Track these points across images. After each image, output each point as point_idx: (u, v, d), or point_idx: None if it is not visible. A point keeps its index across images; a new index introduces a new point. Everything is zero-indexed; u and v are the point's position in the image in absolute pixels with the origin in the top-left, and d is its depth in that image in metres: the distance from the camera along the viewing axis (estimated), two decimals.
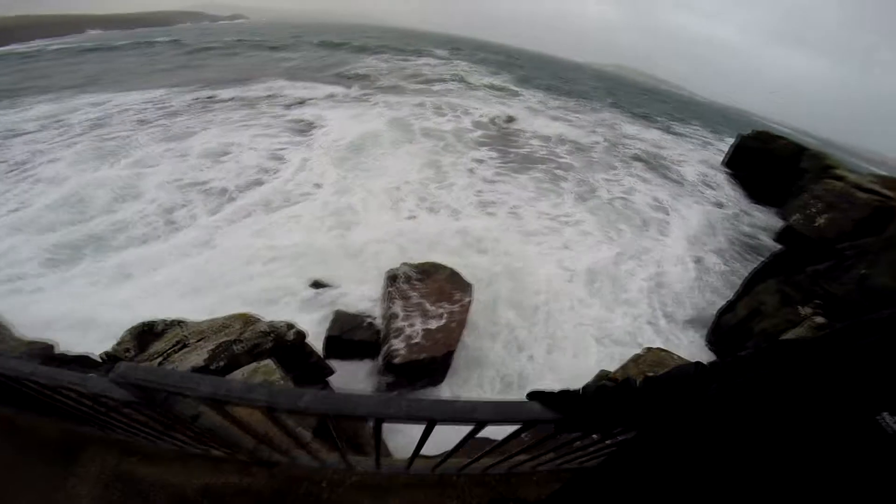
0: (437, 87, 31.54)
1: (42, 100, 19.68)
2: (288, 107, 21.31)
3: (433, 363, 6.32)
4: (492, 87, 35.43)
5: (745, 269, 12.82)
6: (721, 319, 9.81)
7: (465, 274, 8.60)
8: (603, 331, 9.02)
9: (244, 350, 5.05)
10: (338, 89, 25.70)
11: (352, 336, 6.71)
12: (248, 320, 5.55)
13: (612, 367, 5.32)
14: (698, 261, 12.75)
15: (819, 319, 7.71)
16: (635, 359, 4.49)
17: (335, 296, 8.14)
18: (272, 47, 44.69)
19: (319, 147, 16.03)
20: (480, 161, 17.13)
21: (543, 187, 15.73)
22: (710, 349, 9.33)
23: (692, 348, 9.17)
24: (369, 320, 7.26)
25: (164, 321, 5.75)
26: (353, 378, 6.29)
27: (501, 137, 20.94)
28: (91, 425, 2.24)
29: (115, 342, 5.40)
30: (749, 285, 10.65)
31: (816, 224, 10.66)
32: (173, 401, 1.42)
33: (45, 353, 5.07)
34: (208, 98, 21.31)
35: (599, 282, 10.58)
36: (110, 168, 12.67)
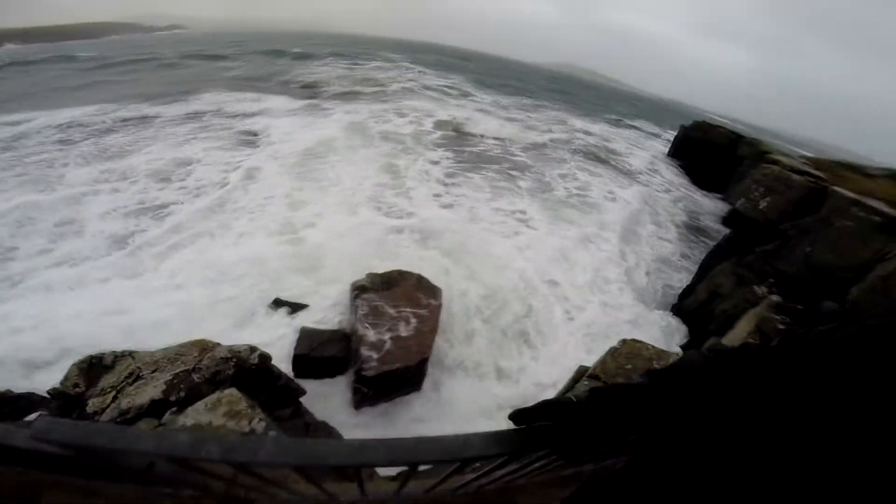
0: (390, 90, 31.24)
1: None
2: (234, 117, 20.39)
3: (408, 372, 6.14)
4: (446, 90, 35.47)
5: (696, 252, 13.35)
6: (683, 303, 10.11)
7: (432, 277, 8.45)
8: (574, 322, 9.10)
9: (204, 379, 4.73)
10: (287, 99, 24.90)
11: (321, 352, 6.41)
12: (205, 346, 5.21)
13: (588, 360, 5.32)
14: (652, 247, 13.17)
15: (775, 298, 8.03)
16: (612, 352, 4.46)
17: (300, 313, 7.80)
18: (212, 56, 42.87)
19: (272, 158, 15.45)
20: (436, 163, 17.07)
21: (499, 186, 15.86)
22: (680, 327, 9.72)
23: (665, 334, 9.39)
24: (338, 335, 6.96)
25: (113, 353, 5.33)
26: (327, 396, 6.02)
27: (458, 139, 20.93)
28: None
29: (62, 377, 4.97)
30: (705, 268, 11.05)
31: (760, 207, 11.14)
32: (115, 454, 1.19)
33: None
34: (142, 117, 19.83)
35: (563, 273, 10.72)
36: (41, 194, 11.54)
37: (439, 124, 22.81)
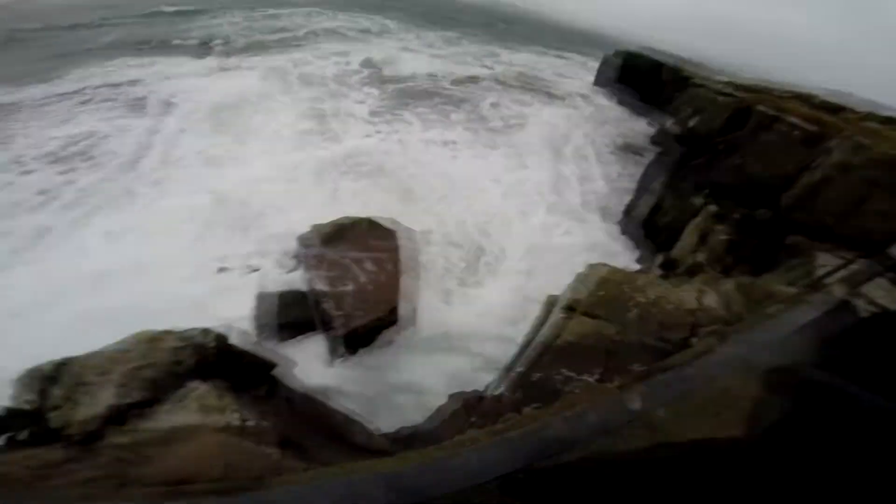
0: (305, 41, 28.64)
1: None
2: (123, 85, 17.74)
3: (380, 321, 6.01)
4: (369, 31, 33.09)
5: (630, 170, 13.84)
6: (629, 216, 10.60)
7: (381, 219, 8.30)
8: (525, 246, 9.45)
9: (163, 373, 4.34)
10: (185, 58, 22.09)
11: (284, 318, 6.14)
12: (151, 339, 4.75)
13: (548, 286, 5.40)
14: (585, 168, 13.48)
15: (713, 208, 8.50)
16: (582, 279, 4.47)
17: (251, 275, 7.43)
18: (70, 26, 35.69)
19: (182, 118, 14.00)
20: (362, 102, 16.33)
21: (431, 119, 15.53)
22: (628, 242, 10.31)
23: (616, 252, 9.81)
24: (296, 295, 6.63)
25: (50, 363, 4.75)
26: (302, 362, 5.78)
27: (385, 78, 19.83)
28: None
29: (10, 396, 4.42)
30: (643, 184, 11.56)
31: (690, 125, 11.64)
32: None
33: None
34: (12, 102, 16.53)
35: (512, 196, 11.01)
36: None
37: (364, 63, 21.60)
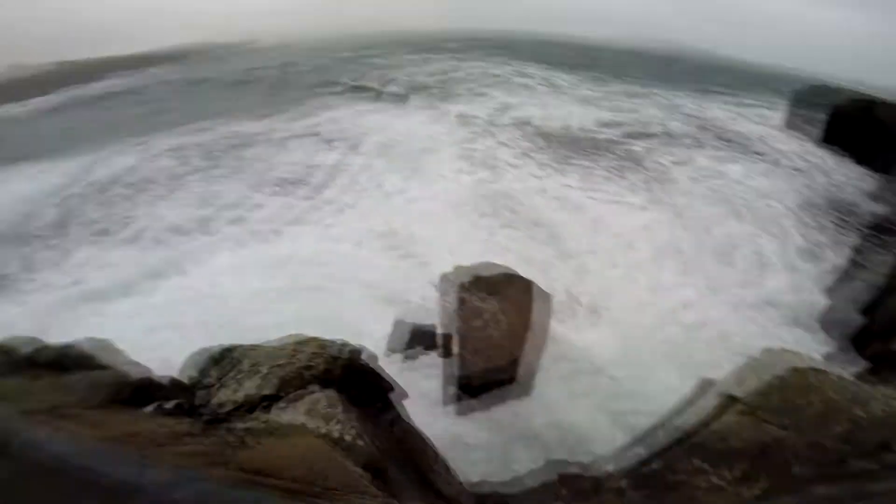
0: (469, 85, 30.62)
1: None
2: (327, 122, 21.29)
3: (501, 371, 5.81)
4: (531, 76, 33.83)
5: (837, 239, 11.18)
6: (874, 316, 8.19)
7: (541, 280, 8.03)
8: (705, 330, 8.15)
9: (297, 374, 4.74)
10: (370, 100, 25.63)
11: (413, 346, 6.35)
12: (299, 342, 5.27)
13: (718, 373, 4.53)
14: (811, 250, 11.13)
15: None
16: (753, 365, 3.57)
17: (397, 304, 7.87)
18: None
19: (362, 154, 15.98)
20: (525, 153, 16.06)
21: (600, 174, 14.46)
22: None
23: (800, 331, 7.99)
24: (431, 329, 6.81)
25: (220, 346, 5.56)
26: (418, 390, 5.86)
27: (552, 131, 19.57)
28: None
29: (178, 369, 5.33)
30: (855, 262, 9.18)
31: None
32: None
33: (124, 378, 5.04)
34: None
35: (692, 274, 9.64)
36: None
37: (525, 111, 21.62)
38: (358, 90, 28.71)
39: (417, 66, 38.46)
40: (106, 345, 5.61)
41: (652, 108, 24.06)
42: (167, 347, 7.21)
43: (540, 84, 30.43)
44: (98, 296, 9.41)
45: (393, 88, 28.81)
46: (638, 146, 17.21)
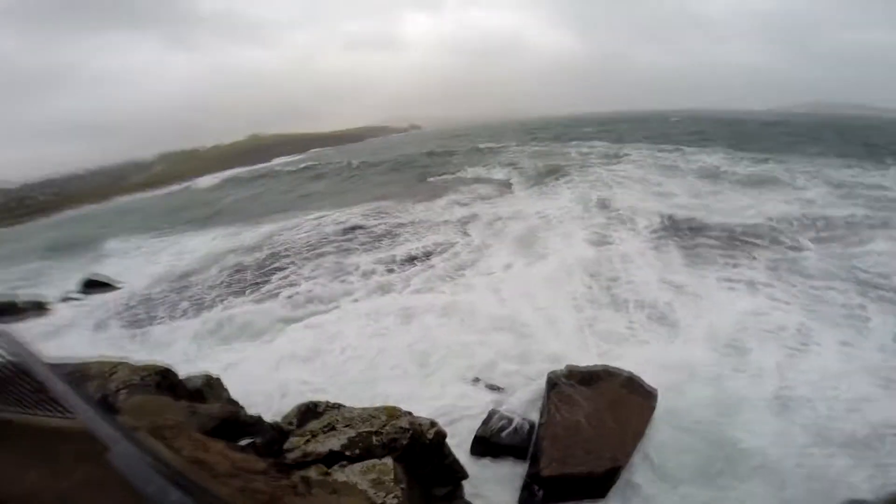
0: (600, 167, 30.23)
1: None
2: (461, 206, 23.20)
3: (591, 479, 5.14)
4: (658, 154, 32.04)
5: None
6: None
7: (648, 374, 7.29)
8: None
9: (380, 443, 4.86)
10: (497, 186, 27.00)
11: (499, 440, 5.98)
12: (392, 413, 5.43)
13: None
14: None
15: None
16: None
17: (493, 393, 7.64)
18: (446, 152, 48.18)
19: (494, 236, 16.72)
20: (665, 248, 14.72)
21: (761, 279, 12.01)
22: None
23: None
24: (523, 424, 6.41)
25: (326, 403, 5.99)
26: (492, 484, 5.46)
27: (697, 221, 17.76)
28: None
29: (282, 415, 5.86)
30: None
31: None
32: None
33: (232, 414, 5.74)
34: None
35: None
36: None
37: (672, 198, 20.53)
38: (501, 171, 31.21)
39: (561, 149, 40.33)
40: (217, 381, 6.45)
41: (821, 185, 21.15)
42: (283, 392, 8.04)
43: (689, 162, 29.10)
44: (234, 337, 11.03)
45: (533, 171, 30.55)
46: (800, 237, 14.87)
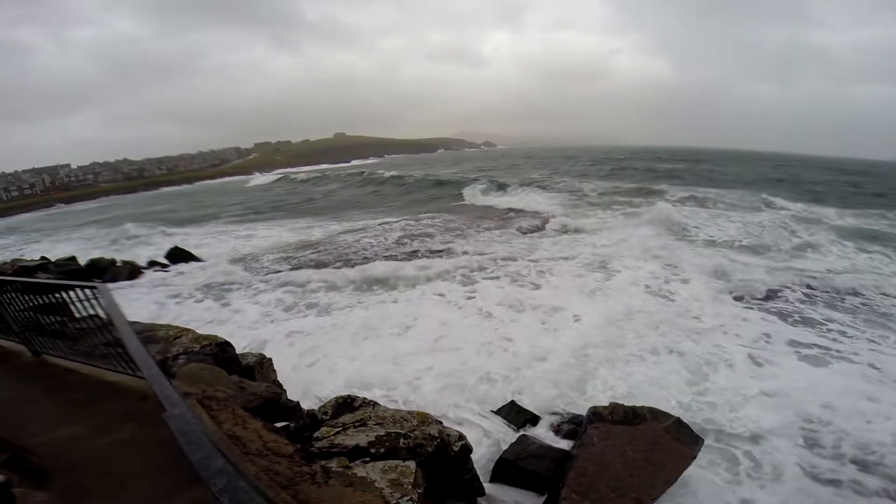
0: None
1: None
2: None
3: None
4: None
5: None
6: None
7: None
8: None
9: (406, 446, 4.89)
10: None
11: (526, 464, 5.79)
12: (424, 420, 5.46)
13: None
14: None
15: None
16: None
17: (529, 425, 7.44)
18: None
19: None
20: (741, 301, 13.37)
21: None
22: None
23: None
24: (554, 452, 6.19)
25: (363, 399, 6.13)
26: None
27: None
28: None
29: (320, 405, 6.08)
30: None
31: None
32: None
33: (275, 395, 6.03)
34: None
35: None
36: None
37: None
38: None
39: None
40: (268, 362, 6.80)
41: None
42: (329, 379, 8.37)
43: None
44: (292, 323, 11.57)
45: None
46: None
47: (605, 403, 7.06)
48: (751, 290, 13.51)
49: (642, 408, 7.09)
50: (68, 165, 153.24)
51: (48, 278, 12.74)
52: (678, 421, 6.75)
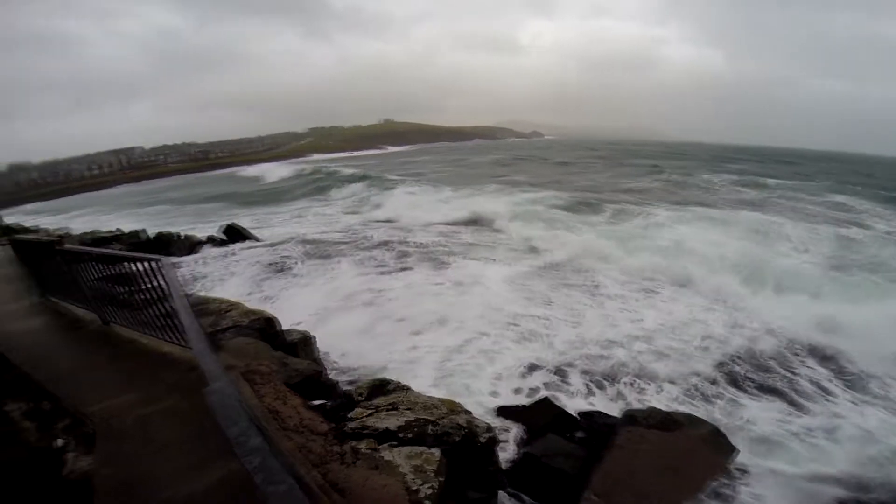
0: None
1: None
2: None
3: None
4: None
5: None
6: None
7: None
8: None
9: (434, 433, 4.93)
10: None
11: (552, 461, 5.71)
12: (453, 408, 5.49)
13: None
14: None
15: None
16: None
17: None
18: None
19: None
20: None
21: None
22: None
23: None
24: (581, 452, 6.07)
25: (396, 383, 6.20)
26: None
27: None
28: None
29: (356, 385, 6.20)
30: None
31: None
32: None
33: (316, 373, 6.21)
34: None
35: None
36: None
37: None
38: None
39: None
40: (312, 340, 6.99)
41: None
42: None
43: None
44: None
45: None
46: None
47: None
48: None
49: (680, 414, 6.88)
50: (141, 147, 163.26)
51: (119, 249, 13.65)
52: (715, 430, 6.52)
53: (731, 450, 6.25)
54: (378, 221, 23.14)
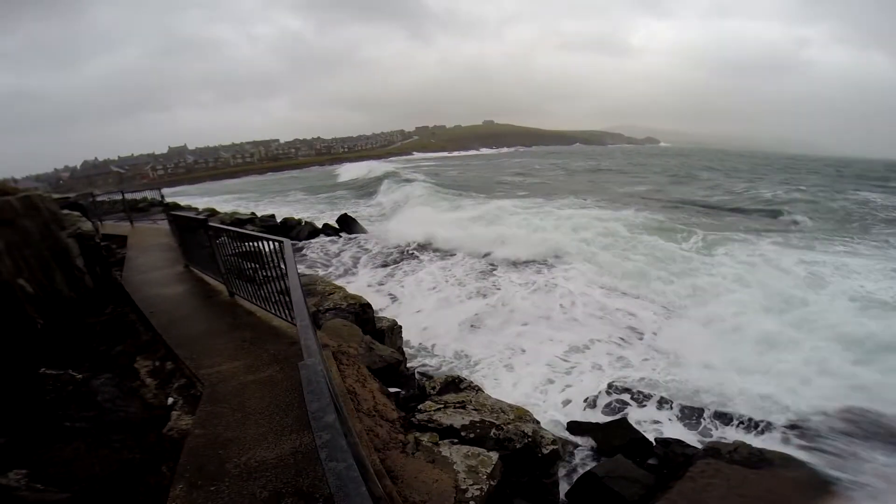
0: None
1: None
2: None
3: None
4: None
5: None
6: None
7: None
8: None
9: (496, 437, 4.99)
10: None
11: (615, 484, 5.45)
12: (522, 416, 5.48)
13: None
14: None
15: None
16: None
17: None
18: None
19: None
20: None
21: None
22: None
23: None
24: (646, 479, 5.71)
25: (469, 382, 6.36)
26: None
27: None
28: None
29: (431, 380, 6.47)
30: None
31: None
32: None
33: (397, 361, 6.61)
34: None
35: None
36: None
37: None
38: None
39: None
40: (398, 328, 7.39)
41: None
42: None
43: None
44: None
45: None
46: None
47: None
48: None
49: (773, 452, 6.14)
50: (277, 140, 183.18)
51: (252, 230, 15.53)
52: (815, 472, 5.73)
53: (831, 496, 5.41)
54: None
